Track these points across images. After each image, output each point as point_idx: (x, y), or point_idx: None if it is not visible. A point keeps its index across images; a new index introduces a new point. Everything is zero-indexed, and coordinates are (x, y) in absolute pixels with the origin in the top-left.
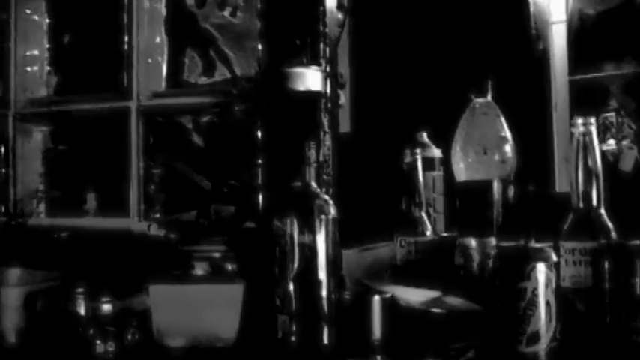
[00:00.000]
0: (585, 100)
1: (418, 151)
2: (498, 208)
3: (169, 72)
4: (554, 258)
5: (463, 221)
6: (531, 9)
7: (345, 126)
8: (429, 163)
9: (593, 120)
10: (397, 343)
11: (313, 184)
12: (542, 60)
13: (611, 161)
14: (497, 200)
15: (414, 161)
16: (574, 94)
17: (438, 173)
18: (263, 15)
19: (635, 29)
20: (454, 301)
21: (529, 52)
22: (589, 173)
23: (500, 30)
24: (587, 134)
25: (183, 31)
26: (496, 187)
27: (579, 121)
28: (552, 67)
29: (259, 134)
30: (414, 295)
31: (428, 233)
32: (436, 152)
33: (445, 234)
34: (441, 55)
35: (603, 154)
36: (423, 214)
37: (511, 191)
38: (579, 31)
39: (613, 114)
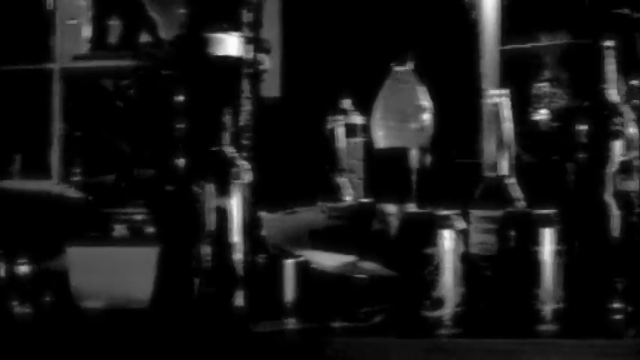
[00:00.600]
0: (518, 71)
1: (340, 117)
2: (416, 175)
3: (94, 36)
4: (461, 225)
5: (381, 187)
6: None
7: (274, 91)
8: (351, 130)
9: (506, 91)
10: (309, 307)
11: (230, 149)
12: (474, 29)
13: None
14: (415, 167)
15: (336, 127)
16: (506, 65)
17: (359, 140)
18: None
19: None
20: (369, 266)
21: (463, 20)
22: (499, 143)
23: None
24: (499, 105)
25: None
26: (414, 154)
27: (491, 92)
28: (484, 37)
29: (181, 99)
30: (329, 260)
31: (348, 199)
32: (358, 119)
33: (365, 200)
34: (370, 23)
35: (535, 123)
36: (344, 180)
37: (428, 159)
38: (513, 1)
39: (547, 84)
